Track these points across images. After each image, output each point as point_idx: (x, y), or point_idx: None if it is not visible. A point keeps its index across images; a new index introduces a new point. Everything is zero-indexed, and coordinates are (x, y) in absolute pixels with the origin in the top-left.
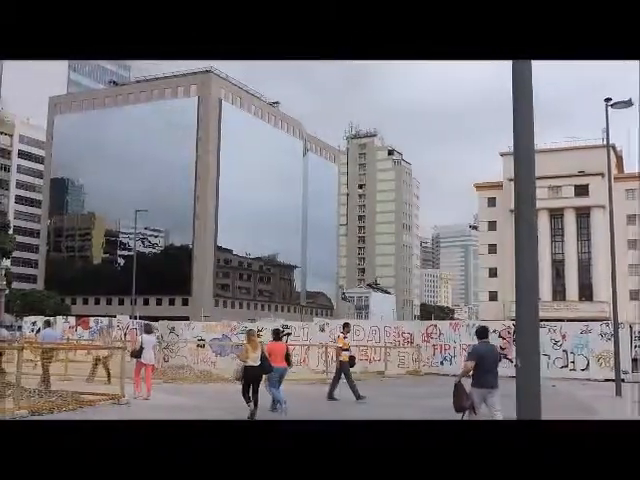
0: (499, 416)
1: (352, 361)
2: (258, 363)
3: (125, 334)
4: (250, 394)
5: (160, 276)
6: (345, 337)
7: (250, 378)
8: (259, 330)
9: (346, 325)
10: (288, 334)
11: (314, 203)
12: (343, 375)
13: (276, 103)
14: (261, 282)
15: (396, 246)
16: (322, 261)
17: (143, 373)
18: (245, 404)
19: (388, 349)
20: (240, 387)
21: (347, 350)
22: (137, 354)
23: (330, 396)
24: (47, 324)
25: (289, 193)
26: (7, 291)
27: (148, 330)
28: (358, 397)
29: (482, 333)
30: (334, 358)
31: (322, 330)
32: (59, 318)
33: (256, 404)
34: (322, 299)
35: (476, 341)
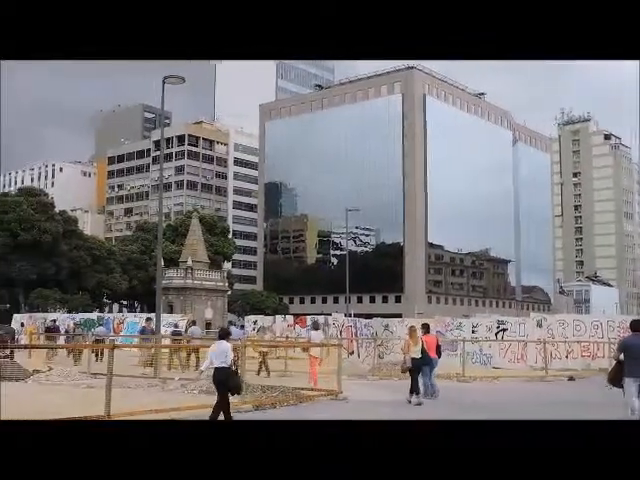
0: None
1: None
2: (420, 355)
3: (340, 332)
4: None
5: (372, 274)
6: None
7: (414, 368)
8: (474, 326)
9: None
10: (504, 330)
11: (526, 194)
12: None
13: (481, 94)
14: (474, 277)
15: (617, 236)
16: (537, 254)
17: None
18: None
19: (612, 345)
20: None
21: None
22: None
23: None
24: (193, 323)
25: (499, 185)
26: (229, 292)
27: (316, 327)
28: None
29: (636, 325)
30: (552, 355)
31: (539, 326)
32: (278, 317)
33: (418, 392)
34: (538, 293)
35: None
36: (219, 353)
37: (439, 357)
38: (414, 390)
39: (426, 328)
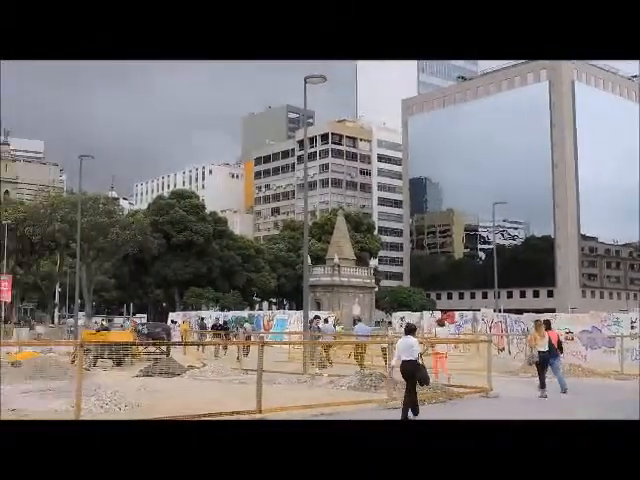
0: None
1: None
2: (546, 349)
3: (490, 328)
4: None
5: (522, 268)
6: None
7: (541, 362)
8: (632, 321)
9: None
10: None
11: None
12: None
13: (635, 77)
14: (632, 270)
15: None
16: None
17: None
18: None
19: None
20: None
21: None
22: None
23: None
24: (358, 320)
25: None
26: (376, 289)
27: (441, 323)
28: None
29: None
30: None
31: None
32: (425, 313)
33: (544, 386)
34: None
35: None
36: (406, 347)
37: (561, 352)
38: (543, 384)
39: (547, 324)
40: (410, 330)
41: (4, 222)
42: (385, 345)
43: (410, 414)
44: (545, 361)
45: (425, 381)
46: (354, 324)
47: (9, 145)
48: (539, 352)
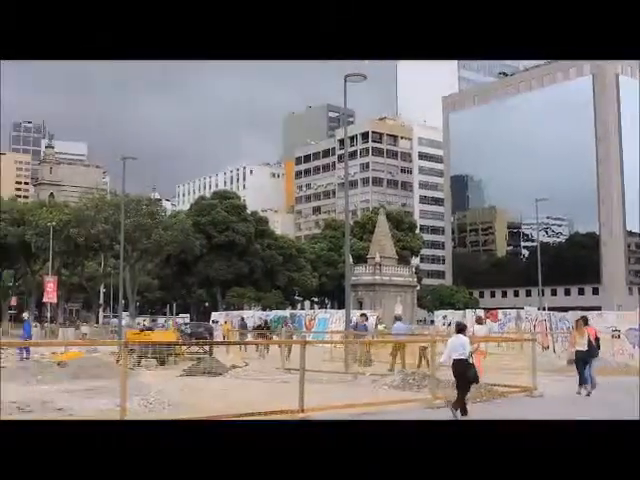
0: None
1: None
2: (586, 348)
3: (534, 326)
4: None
5: (567, 265)
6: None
7: (580, 360)
8: None
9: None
10: None
11: None
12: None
13: None
14: None
15: None
16: None
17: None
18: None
19: None
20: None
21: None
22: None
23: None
24: (397, 319)
25: None
26: (418, 287)
27: (479, 321)
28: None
29: None
30: None
31: None
32: (468, 311)
33: (585, 382)
34: None
35: None
36: (457, 346)
37: (598, 348)
38: (583, 382)
39: (585, 320)
40: (461, 329)
41: (50, 224)
42: (424, 344)
43: (457, 414)
44: (583, 360)
45: (475, 380)
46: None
47: (53, 148)
48: (578, 351)
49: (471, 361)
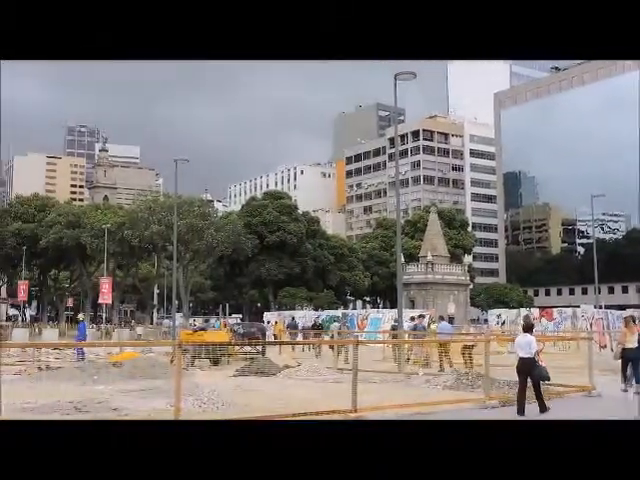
0: None
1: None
2: (635, 345)
3: (590, 325)
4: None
5: (624, 262)
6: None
7: (627, 358)
8: None
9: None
10: None
11: None
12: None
13: None
14: None
15: None
16: None
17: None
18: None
19: None
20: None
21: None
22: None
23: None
24: (441, 318)
25: None
26: (471, 286)
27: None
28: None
29: None
30: None
31: None
32: (522, 310)
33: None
34: None
35: None
36: (524, 344)
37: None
38: (628, 379)
39: (633, 319)
40: (528, 327)
41: (104, 226)
42: (469, 343)
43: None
44: (634, 358)
45: (544, 378)
46: (439, 322)
47: (107, 152)
48: (625, 349)
49: (538, 360)
